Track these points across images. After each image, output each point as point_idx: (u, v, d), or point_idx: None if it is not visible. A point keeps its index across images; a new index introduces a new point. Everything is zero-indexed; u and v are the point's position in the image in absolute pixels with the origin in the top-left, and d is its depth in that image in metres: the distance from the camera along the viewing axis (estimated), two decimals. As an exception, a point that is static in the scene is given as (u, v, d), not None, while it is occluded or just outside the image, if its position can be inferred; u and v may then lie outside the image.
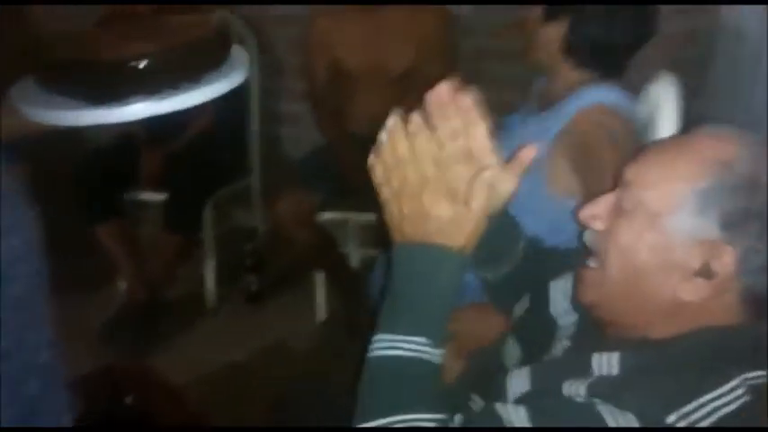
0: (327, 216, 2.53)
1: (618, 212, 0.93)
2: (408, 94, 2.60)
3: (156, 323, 2.59)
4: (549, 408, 0.85)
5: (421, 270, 0.89)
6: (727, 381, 0.82)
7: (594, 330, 0.98)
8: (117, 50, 0.92)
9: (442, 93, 0.89)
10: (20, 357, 0.79)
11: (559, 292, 1.08)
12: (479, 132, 0.89)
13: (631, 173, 0.93)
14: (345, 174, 2.50)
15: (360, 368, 0.91)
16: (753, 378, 0.83)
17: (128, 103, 0.91)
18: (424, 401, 0.86)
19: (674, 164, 0.89)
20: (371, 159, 0.92)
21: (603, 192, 1.12)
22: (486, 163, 0.89)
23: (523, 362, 1.04)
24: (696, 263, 0.86)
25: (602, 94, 1.64)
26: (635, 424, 0.79)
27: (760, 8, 2.36)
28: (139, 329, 2.51)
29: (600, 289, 0.94)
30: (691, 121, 1.89)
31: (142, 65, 0.89)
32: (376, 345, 0.90)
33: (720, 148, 0.88)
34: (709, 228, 0.85)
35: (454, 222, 0.88)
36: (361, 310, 2.09)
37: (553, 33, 1.67)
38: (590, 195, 1.55)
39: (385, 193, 0.91)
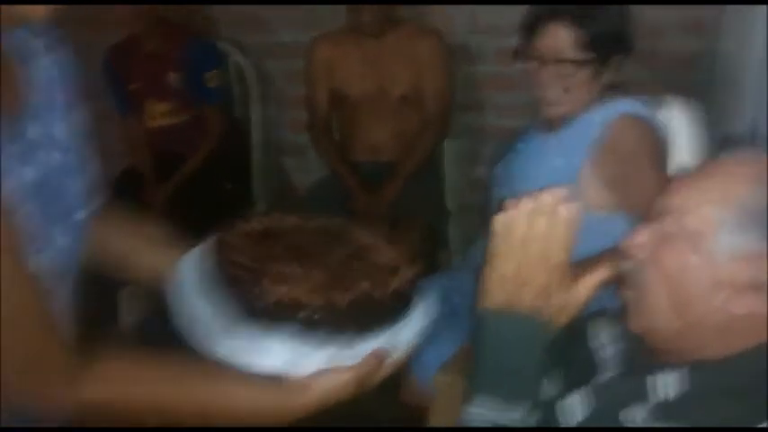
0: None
1: (660, 240, 0.94)
2: (406, 117, 2.60)
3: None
4: None
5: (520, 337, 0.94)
6: None
7: (645, 356, 0.98)
8: (281, 293, 0.82)
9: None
10: None
11: (601, 324, 1.08)
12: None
13: (670, 201, 0.95)
14: (351, 201, 2.48)
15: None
16: None
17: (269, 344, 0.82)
18: None
19: (711, 186, 0.92)
20: (501, 215, 0.92)
21: (642, 203, 1.21)
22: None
23: (567, 392, 1.03)
24: (745, 277, 0.88)
25: (625, 105, 1.67)
26: None
27: (761, 31, 2.36)
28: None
29: (648, 316, 0.94)
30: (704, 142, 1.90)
31: (301, 315, 0.82)
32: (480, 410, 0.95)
33: (751, 168, 0.91)
34: (751, 242, 0.88)
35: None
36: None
37: (588, 72, 1.67)
38: (627, 207, 1.57)
39: (501, 251, 0.92)
